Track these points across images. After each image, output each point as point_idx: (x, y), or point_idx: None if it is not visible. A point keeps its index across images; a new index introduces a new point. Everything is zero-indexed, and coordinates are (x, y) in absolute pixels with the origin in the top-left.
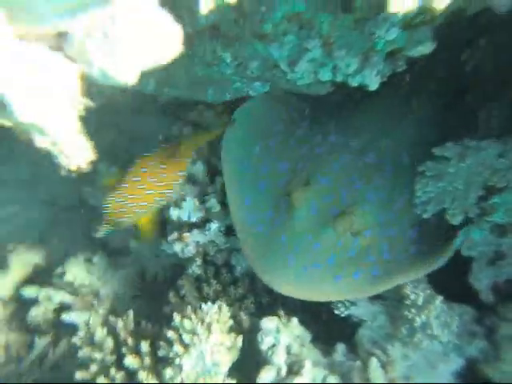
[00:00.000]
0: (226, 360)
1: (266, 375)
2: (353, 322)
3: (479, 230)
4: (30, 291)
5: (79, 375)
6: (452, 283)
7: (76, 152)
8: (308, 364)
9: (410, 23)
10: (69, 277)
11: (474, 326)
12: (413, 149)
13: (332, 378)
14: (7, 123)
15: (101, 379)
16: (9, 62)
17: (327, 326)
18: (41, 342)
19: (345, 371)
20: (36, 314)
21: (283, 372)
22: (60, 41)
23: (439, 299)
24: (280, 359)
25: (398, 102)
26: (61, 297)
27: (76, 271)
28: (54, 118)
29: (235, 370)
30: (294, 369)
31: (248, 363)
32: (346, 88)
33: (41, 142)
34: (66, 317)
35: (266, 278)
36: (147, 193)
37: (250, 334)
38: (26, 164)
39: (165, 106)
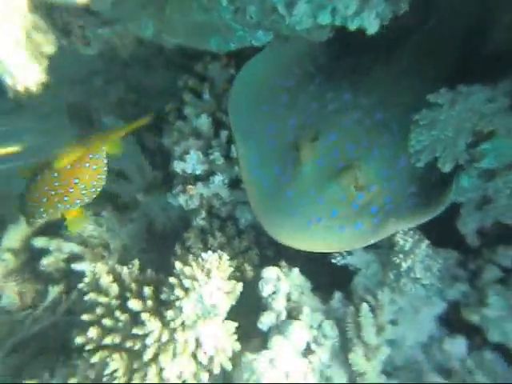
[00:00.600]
0: (224, 303)
1: (266, 319)
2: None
3: (468, 177)
4: (40, 242)
5: (85, 317)
6: (442, 229)
7: (21, 72)
8: (306, 310)
9: None
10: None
11: (457, 270)
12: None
13: (327, 323)
14: None
15: (106, 320)
16: None
17: (329, 276)
18: (54, 290)
19: (340, 316)
20: (47, 263)
21: (282, 316)
22: None
23: (425, 243)
24: (279, 305)
25: (408, 70)
26: (71, 247)
27: (84, 224)
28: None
29: (237, 314)
30: (292, 314)
31: (250, 309)
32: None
33: None
34: (77, 266)
35: (272, 231)
36: (68, 190)
37: (253, 284)
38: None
39: (171, 57)
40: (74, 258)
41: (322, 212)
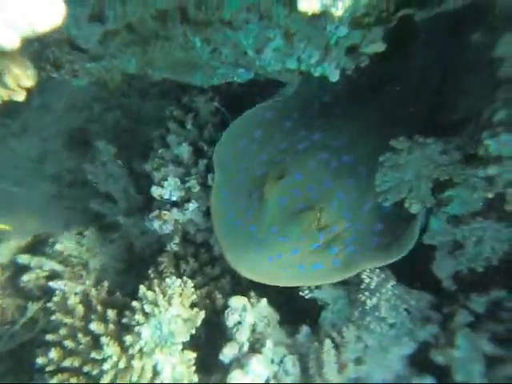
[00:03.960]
0: (183, 332)
1: (228, 351)
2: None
3: (437, 220)
4: (23, 258)
5: (49, 337)
6: (417, 270)
7: None
8: (269, 343)
9: (360, 23)
10: (59, 247)
11: (429, 312)
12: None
13: (289, 358)
14: None
15: (68, 342)
16: None
17: (300, 308)
18: (33, 307)
19: (305, 352)
20: (28, 279)
21: (245, 348)
22: None
23: (391, 283)
24: (243, 337)
25: (381, 113)
26: (51, 265)
27: (66, 242)
28: None
29: (203, 344)
30: (255, 346)
31: (217, 339)
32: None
33: None
34: (54, 284)
35: (233, 263)
36: None
37: (222, 313)
38: (37, 139)
39: (167, 89)
40: (54, 275)
41: (282, 249)
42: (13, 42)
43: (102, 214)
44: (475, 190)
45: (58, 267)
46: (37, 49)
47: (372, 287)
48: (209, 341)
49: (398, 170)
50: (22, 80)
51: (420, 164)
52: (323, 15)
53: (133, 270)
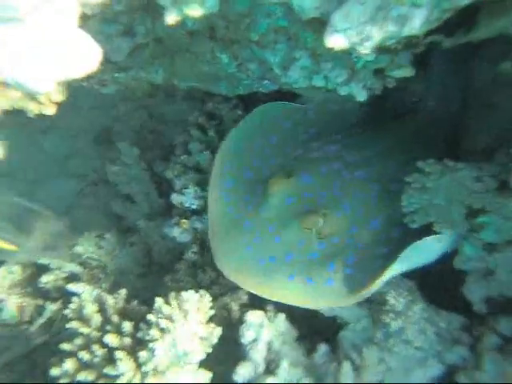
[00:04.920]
0: (199, 351)
1: (243, 371)
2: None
3: (470, 246)
4: (44, 259)
5: (65, 347)
6: (446, 292)
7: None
8: (285, 364)
9: (387, 48)
10: (79, 249)
11: (459, 333)
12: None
13: (306, 380)
14: None
15: (82, 354)
16: None
17: (319, 324)
18: (50, 308)
19: (321, 373)
20: (47, 280)
21: (260, 369)
22: None
23: (419, 305)
24: (258, 356)
25: (400, 134)
26: (71, 267)
27: (86, 244)
28: None
29: (214, 361)
30: (271, 366)
31: (231, 355)
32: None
33: None
34: (72, 287)
35: (218, 263)
36: None
37: (238, 326)
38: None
39: (193, 92)
40: (72, 277)
41: (276, 252)
42: (48, 88)
43: (123, 216)
44: (509, 219)
45: (76, 269)
46: None
47: (398, 309)
48: (223, 357)
49: (426, 192)
50: (53, 96)
51: (452, 189)
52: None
53: (151, 275)
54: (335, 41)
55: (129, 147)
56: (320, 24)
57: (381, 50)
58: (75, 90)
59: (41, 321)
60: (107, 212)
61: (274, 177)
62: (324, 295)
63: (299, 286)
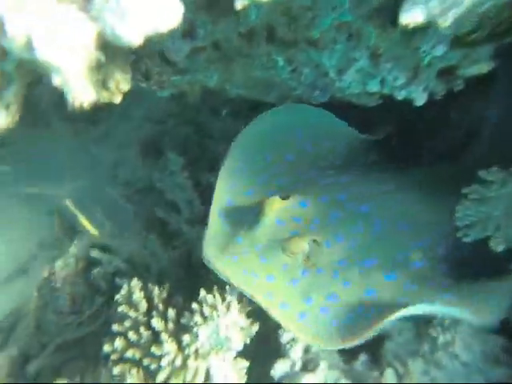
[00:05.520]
0: (238, 339)
1: (280, 366)
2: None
3: None
4: (96, 253)
5: (115, 327)
6: None
7: (80, 91)
8: (323, 364)
9: (464, 41)
10: (125, 248)
11: (501, 354)
12: (414, 226)
13: (344, 380)
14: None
15: (131, 334)
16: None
17: None
18: (99, 299)
19: (361, 379)
20: (97, 273)
21: (297, 367)
22: (86, 4)
23: (465, 324)
24: (296, 355)
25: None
26: (118, 263)
27: (132, 245)
28: (69, 61)
29: (253, 355)
30: (309, 366)
31: (268, 353)
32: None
33: (56, 79)
34: (120, 281)
35: (206, 262)
36: None
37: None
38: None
39: (238, 109)
40: (120, 273)
41: (259, 271)
42: (139, 41)
43: (166, 222)
44: None
45: (123, 266)
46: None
47: (446, 324)
48: (261, 354)
49: (484, 203)
50: (121, 84)
51: None
52: (419, 34)
53: (192, 278)
54: (412, 15)
55: (177, 156)
56: (384, 19)
57: (455, 43)
58: (126, 100)
59: (90, 311)
60: (151, 217)
61: (271, 197)
62: (292, 326)
63: (273, 306)
